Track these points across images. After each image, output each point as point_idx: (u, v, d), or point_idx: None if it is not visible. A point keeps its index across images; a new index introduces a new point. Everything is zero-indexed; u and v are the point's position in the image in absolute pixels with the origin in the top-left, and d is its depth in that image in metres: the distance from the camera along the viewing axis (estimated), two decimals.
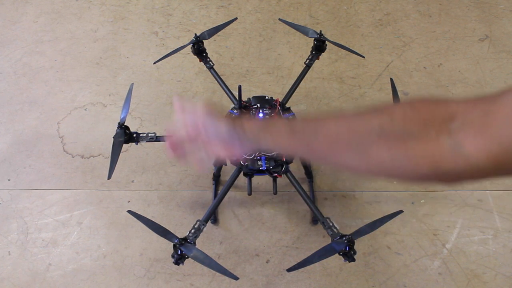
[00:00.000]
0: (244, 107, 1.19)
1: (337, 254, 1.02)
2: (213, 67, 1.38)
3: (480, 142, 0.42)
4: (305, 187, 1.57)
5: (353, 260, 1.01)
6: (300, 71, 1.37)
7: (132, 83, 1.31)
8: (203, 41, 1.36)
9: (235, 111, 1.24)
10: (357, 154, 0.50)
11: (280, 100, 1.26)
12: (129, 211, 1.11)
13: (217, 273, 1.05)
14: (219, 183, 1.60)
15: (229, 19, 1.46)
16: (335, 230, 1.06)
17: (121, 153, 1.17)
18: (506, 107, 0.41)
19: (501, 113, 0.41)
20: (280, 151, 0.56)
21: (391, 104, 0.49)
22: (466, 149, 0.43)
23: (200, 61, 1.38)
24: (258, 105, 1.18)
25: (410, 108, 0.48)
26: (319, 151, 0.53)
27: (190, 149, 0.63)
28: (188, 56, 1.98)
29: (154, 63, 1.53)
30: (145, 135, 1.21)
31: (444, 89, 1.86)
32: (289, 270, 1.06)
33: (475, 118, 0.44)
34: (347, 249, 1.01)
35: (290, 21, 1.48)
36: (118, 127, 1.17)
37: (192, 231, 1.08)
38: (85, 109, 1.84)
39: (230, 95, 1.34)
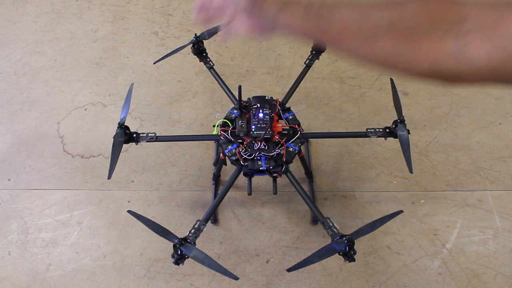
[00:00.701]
0: (244, 107, 1.19)
1: (337, 254, 1.02)
2: (213, 67, 1.38)
3: (486, 47, 0.43)
4: (305, 187, 1.57)
5: (353, 260, 1.01)
6: (300, 71, 1.37)
7: (132, 83, 1.31)
8: (203, 41, 1.36)
9: (235, 111, 1.24)
10: (364, 43, 0.52)
11: (280, 100, 1.26)
12: (129, 211, 1.11)
13: (217, 273, 1.05)
14: (219, 183, 1.60)
15: None
16: (335, 230, 1.06)
17: (121, 153, 1.17)
18: None
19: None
20: (294, 33, 0.58)
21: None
22: (470, 52, 0.44)
23: (200, 61, 1.38)
24: (258, 105, 1.18)
25: (423, 6, 0.49)
26: (330, 36, 0.56)
27: (215, 14, 0.67)
28: (188, 56, 1.98)
29: (154, 63, 1.53)
30: (145, 135, 1.21)
31: (444, 89, 1.86)
32: (289, 270, 1.06)
33: (486, 23, 0.44)
34: (347, 249, 1.01)
35: None
36: (118, 127, 1.18)
37: (192, 231, 1.08)
38: (85, 109, 1.84)
39: (230, 95, 1.34)
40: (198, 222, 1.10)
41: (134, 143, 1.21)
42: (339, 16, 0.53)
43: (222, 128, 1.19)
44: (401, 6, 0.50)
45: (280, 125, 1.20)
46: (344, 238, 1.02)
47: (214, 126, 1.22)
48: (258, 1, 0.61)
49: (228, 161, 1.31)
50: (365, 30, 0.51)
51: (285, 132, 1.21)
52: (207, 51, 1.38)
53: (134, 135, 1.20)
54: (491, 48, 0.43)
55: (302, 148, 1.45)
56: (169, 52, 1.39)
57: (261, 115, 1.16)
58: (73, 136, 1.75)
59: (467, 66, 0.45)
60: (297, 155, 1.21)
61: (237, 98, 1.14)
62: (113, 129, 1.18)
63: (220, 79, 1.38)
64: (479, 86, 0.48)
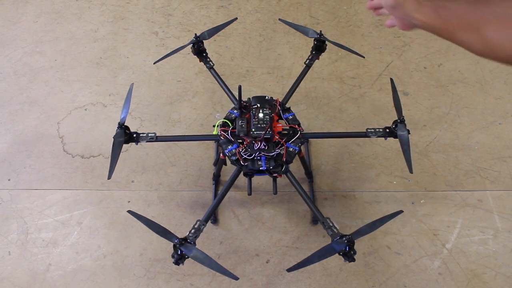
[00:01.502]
0: (244, 107, 1.19)
1: (337, 254, 1.02)
2: (213, 67, 1.38)
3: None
4: (305, 187, 1.57)
5: (353, 260, 1.01)
6: (300, 71, 1.37)
7: (132, 83, 1.31)
8: (203, 41, 1.36)
9: (235, 111, 1.24)
10: (476, 31, 0.58)
11: (280, 100, 1.26)
12: (129, 211, 1.11)
13: (217, 273, 1.05)
14: (219, 183, 1.60)
15: (229, 19, 1.46)
16: (335, 230, 1.06)
17: (121, 153, 1.17)
18: None
19: None
20: (427, 28, 0.69)
21: None
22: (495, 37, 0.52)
23: (200, 61, 1.38)
24: (258, 105, 1.18)
25: None
26: (452, 27, 0.62)
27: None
28: (188, 56, 1.98)
29: (154, 63, 1.53)
30: (145, 135, 1.21)
31: (444, 89, 1.86)
32: (289, 270, 1.06)
33: None
34: (347, 249, 1.01)
35: (290, 21, 1.48)
36: (118, 127, 1.18)
37: (192, 231, 1.08)
38: (85, 109, 1.84)
39: (230, 95, 1.34)
40: (198, 222, 1.10)
41: (134, 143, 1.21)
42: (456, 13, 0.61)
43: (222, 128, 1.19)
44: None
45: (280, 125, 1.20)
46: (344, 238, 1.02)
47: (214, 126, 1.22)
48: (400, 3, 0.69)
49: (228, 161, 1.31)
50: (476, 20, 0.58)
51: (285, 132, 1.21)
52: (207, 51, 1.38)
53: (134, 135, 1.20)
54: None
55: (302, 148, 1.45)
56: (169, 52, 1.39)
57: (261, 115, 1.16)
58: (73, 136, 1.75)
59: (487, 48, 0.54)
60: (297, 155, 1.21)
61: (237, 98, 1.14)
62: (113, 129, 1.18)
63: (220, 79, 1.38)
64: None
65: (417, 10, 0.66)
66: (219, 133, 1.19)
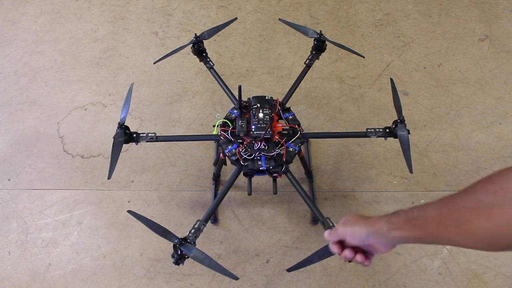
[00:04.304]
0: (244, 107, 1.19)
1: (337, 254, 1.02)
2: (213, 67, 1.38)
3: None
4: (305, 187, 1.57)
5: None
6: (300, 71, 1.37)
7: (132, 83, 1.31)
8: (203, 41, 1.36)
9: (235, 111, 1.24)
10: (459, 231, 0.56)
11: (280, 100, 1.26)
12: (129, 211, 1.11)
13: (217, 273, 1.05)
14: (219, 183, 1.60)
15: (229, 19, 1.46)
16: None
17: (121, 153, 1.17)
18: None
19: None
20: (408, 242, 0.67)
21: (477, 182, 0.59)
22: None
23: (200, 61, 1.38)
24: (258, 105, 1.18)
25: (487, 181, 0.56)
26: (431, 235, 0.61)
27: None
28: (188, 56, 1.98)
29: (154, 63, 1.53)
30: (145, 135, 1.21)
31: (444, 89, 1.86)
32: (289, 270, 1.06)
33: None
34: None
35: (290, 21, 1.48)
36: (118, 127, 1.18)
37: (192, 231, 1.08)
38: (85, 109, 1.84)
39: (230, 95, 1.34)
40: (198, 222, 1.10)
41: (134, 143, 1.21)
42: (431, 219, 0.60)
43: (222, 128, 1.19)
44: (471, 189, 0.58)
45: (280, 125, 1.20)
46: None
47: (214, 126, 1.22)
48: (372, 231, 0.68)
49: (228, 161, 1.31)
50: (453, 220, 0.57)
51: (285, 132, 1.21)
52: (207, 51, 1.38)
53: (134, 135, 1.20)
54: None
55: (302, 148, 1.45)
56: (169, 52, 1.39)
57: (261, 115, 1.16)
58: (73, 136, 1.75)
59: None
60: (297, 155, 1.21)
61: (237, 98, 1.14)
62: (113, 129, 1.18)
63: (220, 79, 1.38)
64: None
65: (392, 229, 0.65)
66: (219, 133, 1.19)
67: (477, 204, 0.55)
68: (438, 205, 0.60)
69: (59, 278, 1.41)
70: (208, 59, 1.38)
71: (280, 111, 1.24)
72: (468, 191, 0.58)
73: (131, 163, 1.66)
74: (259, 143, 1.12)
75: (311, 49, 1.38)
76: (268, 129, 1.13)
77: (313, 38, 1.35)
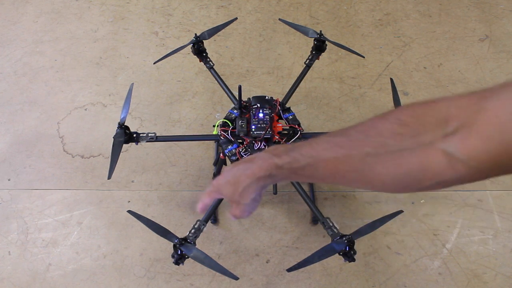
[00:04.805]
0: (244, 107, 1.19)
1: (337, 254, 1.02)
2: (213, 67, 1.38)
3: (478, 143, 0.40)
4: (305, 187, 1.57)
5: (353, 260, 1.01)
6: (300, 71, 1.37)
7: (132, 83, 1.31)
8: (203, 41, 1.36)
9: (235, 111, 1.24)
10: (359, 178, 0.50)
11: (280, 100, 1.26)
12: (129, 211, 1.11)
13: (217, 273, 1.05)
14: None
15: (229, 19, 1.46)
16: (335, 230, 1.06)
17: (121, 153, 1.17)
18: (504, 102, 0.39)
19: (499, 109, 0.39)
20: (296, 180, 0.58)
21: (377, 120, 0.49)
22: (464, 153, 0.41)
23: (200, 61, 1.38)
24: (258, 105, 1.18)
25: (397, 123, 0.47)
26: (324, 181, 0.55)
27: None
28: (188, 56, 1.98)
29: (154, 63, 1.53)
30: (145, 135, 1.21)
31: (444, 89, 1.86)
32: (289, 270, 1.06)
33: (470, 118, 0.41)
34: (347, 249, 1.01)
35: (290, 21, 1.48)
36: (118, 127, 1.18)
37: (192, 231, 1.08)
38: (85, 109, 1.84)
39: (230, 95, 1.34)
40: (198, 222, 1.10)
41: (134, 143, 1.21)
42: (324, 163, 0.51)
43: (222, 128, 1.19)
44: (377, 131, 0.48)
45: (280, 125, 1.20)
46: (344, 238, 1.02)
47: (214, 126, 1.22)
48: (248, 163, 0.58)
49: (228, 161, 1.31)
50: (354, 166, 0.49)
51: (285, 132, 1.21)
52: (207, 51, 1.38)
53: (134, 135, 1.20)
54: (485, 143, 0.39)
55: None
56: (169, 52, 1.39)
57: (261, 115, 1.16)
58: (73, 136, 1.75)
59: (466, 168, 0.41)
60: None
61: (237, 98, 1.14)
62: (113, 129, 1.18)
63: (220, 79, 1.38)
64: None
65: (275, 156, 0.54)
66: (219, 133, 1.19)
67: (385, 150, 0.47)
68: (333, 147, 0.51)
69: (59, 278, 1.41)
70: (208, 59, 1.38)
71: (280, 111, 1.24)
72: (371, 133, 0.49)
73: (131, 163, 1.66)
74: (259, 143, 1.12)
75: (311, 49, 1.38)
76: (268, 129, 1.13)
77: (313, 38, 1.35)
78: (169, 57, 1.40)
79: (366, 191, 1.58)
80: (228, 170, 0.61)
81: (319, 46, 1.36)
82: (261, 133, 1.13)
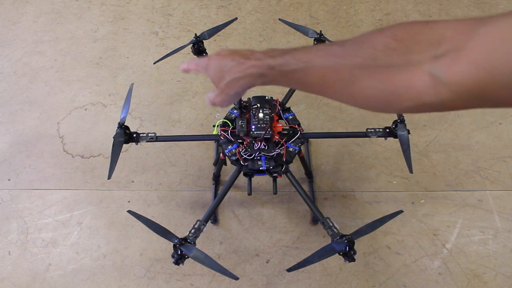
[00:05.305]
0: (244, 107, 1.19)
1: (337, 254, 1.02)
2: None
3: (465, 68, 0.38)
4: (305, 187, 1.57)
5: (353, 260, 1.01)
6: None
7: (132, 83, 1.31)
8: (203, 41, 1.36)
9: (235, 111, 1.24)
10: (344, 90, 0.50)
11: (280, 100, 1.26)
12: (129, 211, 1.11)
13: (217, 273, 1.05)
14: (219, 183, 1.60)
15: (229, 19, 1.46)
16: (335, 230, 1.06)
17: (121, 153, 1.17)
18: (498, 29, 0.37)
19: (492, 36, 0.37)
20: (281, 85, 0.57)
21: (374, 33, 0.49)
22: (449, 77, 0.39)
23: None
24: (258, 105, 1.18)
25: (391, 37, 0.46)
26: (311, 89, 0.54)
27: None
28: (188, 56, 1.98)
29: (154, 63, 1.53)
30: (145, 135, 1.21)
31: None
32: (289, 270, 1.06)
33: (462, 42, 0.39)
34: (347, 249, 1.01)
35: (290, 21, 1.47)
36: (118, 127, 1.18)
37: (192, 231, 1.08)
38: (85, 109, 1.84)
39: None
40: (198, 222, 1.10)
41: (134, 143, 1.21)
42: (314, 70, 0.51)
43: (222, 128, 1.19)
44: (370, 43, 0.48)
45: (280, 125, 1.20)
46: (344, 238, 1.02)
47: (214, 126, 1.22)
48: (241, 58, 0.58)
49: (228, 161, 1.31)
50: (341, 77, 0.49)
51: (285, 132, 1.21)
52: (207, 51, 1.38)
53: (134, 135, 1.20)
54: (472, 68, 0.37)
55: (302, 148, 1.45)
56: (169, 52, 1.39)
57: (261, 115, 1.16)
58: (73, 136, 1.75)
59: (449, 92, 0.40)
60: (297, 155, 1.21)
61: None
62: (113, 129, 1.18)
63: None
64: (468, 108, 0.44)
65: (269, 57, 0.55)
66: (219, 133, 1.19)
67: (374, 63, 0.46)
68: (326, 55, 0.51)
69: (59, 278, 1.41)
70: None
71: (280, 111, 1.24)
72: (365, 45, 0.48)
73: (131, 163, 1.66)
74: (259, 143, 1.12)
75: None
76: (268, 129, 1.13)
77: (313, 38, 1.35)
78: (169, 57, 1.39)
79: (366, 190, 1.58)
80: (224, 56, 0.61)
81: None
82: (261, 133, 1.12)
